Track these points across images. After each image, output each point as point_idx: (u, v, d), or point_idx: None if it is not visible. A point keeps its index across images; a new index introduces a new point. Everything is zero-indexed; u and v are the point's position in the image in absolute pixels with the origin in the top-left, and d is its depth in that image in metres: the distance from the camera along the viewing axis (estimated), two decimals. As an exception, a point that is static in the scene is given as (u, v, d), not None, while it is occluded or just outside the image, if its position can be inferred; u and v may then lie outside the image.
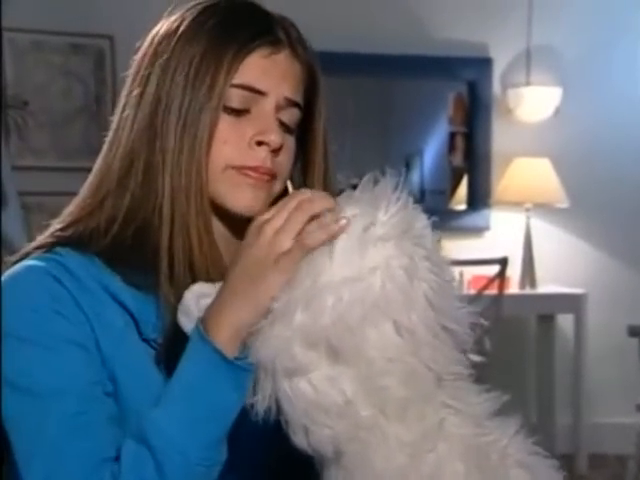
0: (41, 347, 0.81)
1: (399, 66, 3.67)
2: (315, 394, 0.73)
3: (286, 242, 0.76)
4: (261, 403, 0.74)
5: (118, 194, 0.88)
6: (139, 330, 0.85)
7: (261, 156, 0.88)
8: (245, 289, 0.77)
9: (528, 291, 3.58)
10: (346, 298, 0.72)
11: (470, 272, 3.32)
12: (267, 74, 0.88)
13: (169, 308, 0.84)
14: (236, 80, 0.87)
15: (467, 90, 3.79)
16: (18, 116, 3.29)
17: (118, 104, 0.91)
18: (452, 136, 3.84)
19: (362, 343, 0.73)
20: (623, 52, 3.78)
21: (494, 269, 3.21)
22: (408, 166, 3.84)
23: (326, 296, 0.72)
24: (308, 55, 0.92)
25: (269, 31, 0.89)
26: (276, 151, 0.88)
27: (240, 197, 0.88)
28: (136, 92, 0.89)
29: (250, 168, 0.87)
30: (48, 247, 0.87)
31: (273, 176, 0.89)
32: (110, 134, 0.91)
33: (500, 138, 3.75)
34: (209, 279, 0.85)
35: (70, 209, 0.91)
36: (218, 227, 0.90)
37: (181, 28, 0.89)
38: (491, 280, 3.19)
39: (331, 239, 0.75)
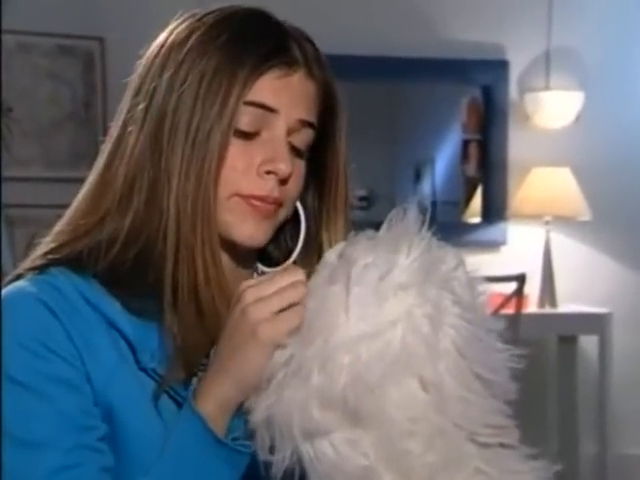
0: (31, 392, 0.82)
1: (408, 69, 3.69)
2: (337, 457, 0.72)
3: (264, 312, 0.76)
4: (281, 463, 0.74)
5: (119, 213, 0.88)
6: (136, 358, 0.86)
7: (269, 185, 0.89)
8: (227, 362, 0.79)
9: (548, 310, 3.58)
10: (364, 356, 0.72)
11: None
12: (279, 95, 0.89)
13: (172, 338, 0.85)
14: (247, 98, 0.88)
15: (482, 95, 3.80)
16: (2, 123, 3.31)
17: (118, 115, 0.92)
18: (465, 144, 3.85)
19: (383, 403, 0.72)
20: (649, 54, 3.80)
21: (511, 287, 3.20)
22: (418, 176, 3.85)
23: (342, 355, 0.72)
24: (324, 74, 0.93)
25: (284, 50, 0.90)
26: (284, 180, 0.89)
27: (244, 227, 0.89)
28: (141, 106, 0.89)
29: (257, 197, 0.89)
30: (41, 268, 0.87)
31: (279, 205, 0.91)
32: (109, 147, 0.92)
33: (517, 146, 3.76)
34: (215, 309, 0.86)
35: (62, 227, 0.91)
36: (222, 257, 0.91)
37: (191, 40, 0.89)
38: (508, 298, 3.19)
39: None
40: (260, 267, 0.97)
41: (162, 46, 0.91)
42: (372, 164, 3.59)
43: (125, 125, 0.90)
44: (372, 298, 0.73)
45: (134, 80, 0.92)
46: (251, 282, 0.80)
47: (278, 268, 0.95)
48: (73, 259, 0.87)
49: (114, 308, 0.86)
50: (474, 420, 0.73)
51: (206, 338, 0.85)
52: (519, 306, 3.22)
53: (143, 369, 0.85)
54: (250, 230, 0.89)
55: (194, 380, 0.85)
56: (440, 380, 0.72)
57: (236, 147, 0.88)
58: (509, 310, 3.18)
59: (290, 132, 0.90)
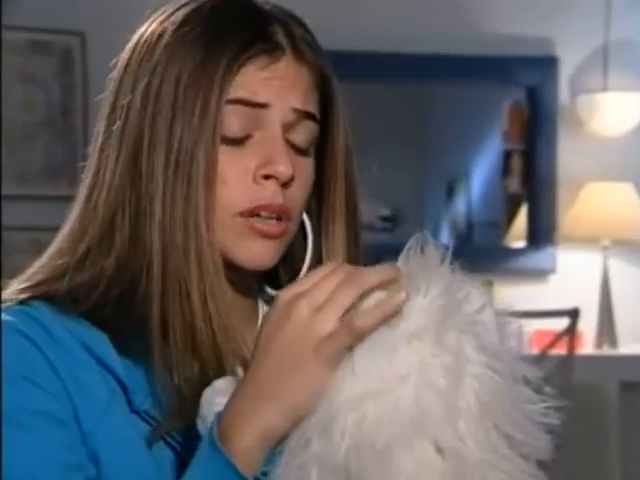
0: (10, 425, 0.83)
1: (440, 68, 3.71)
2: None
3: (329, 323, 0.76)
4: None
5: (101, 253, 0.90)
6: (128, 399, 0.87)
7: (269, 192, 0.89)
8: (276, 385, 0.78)
9: (606, 351, 3.57)
10: (370, 416, 0.72)
11: (532, 326, 3.31)
12: (266, 86, 0.90)
13: (166, 384, 0.86)
14: (230, 96, 0.89)
15: (527, 98, 3.82)
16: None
17: (95, 139, 0.93)
18: (507, 155, 3.86)
19: (391, 471, 0.72)
20: None
21: (562, 323, 3.20)
22: (452, 192, 3.86)
23: (345, 415, 0.73)
24: (318, 57, 0.94)
25: (265, 36, 0.90)
26: (287, 184, 0.90)
27: (250, 247, 0.90)
28: (117, 126, 0.91)
29: (259, 208, 0.89)
30: (18, 301, 0.89)
31: (287, 216, 0.91)
32: (89, 177, 0.93)
33: (568, 157, 3.76)
34: (216, 349, 0.87)
35: (37, 269, 0.92)
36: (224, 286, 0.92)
37: (162, 42, 0.90)
38: (558, 337, 3.18)
39: (388, 318, 0.73)
40: (269, 291, 0.98)
41: (132, 54, 0.92)
42: (397, 178, 3.60)
43: (102, 150, 0.92)
44: (379, 349, 0.73)
45: (108, 97, 0.93)
46: (299, 289, 0.78)
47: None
48: (51, 298, 0.89)
49: (102, 343, 0.87)
50: None
51: (205, 385, 0.85)
52: (572, 346, 3.21)
53: (135, 411, 0.87)
54: (255, 250, 0.90)
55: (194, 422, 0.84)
56: (459, 443, 0.72)
57: (226, 156, 0.89)
58: (560, 350, 3.17)
59: (287, 127, 0.91)
